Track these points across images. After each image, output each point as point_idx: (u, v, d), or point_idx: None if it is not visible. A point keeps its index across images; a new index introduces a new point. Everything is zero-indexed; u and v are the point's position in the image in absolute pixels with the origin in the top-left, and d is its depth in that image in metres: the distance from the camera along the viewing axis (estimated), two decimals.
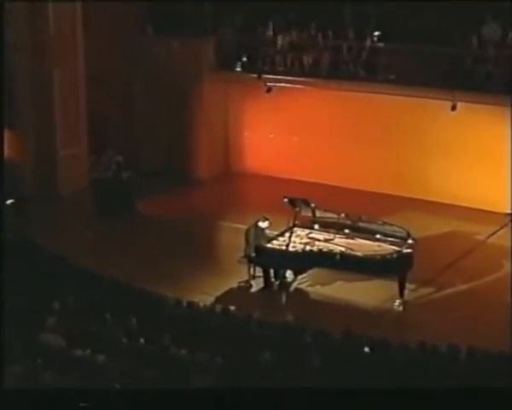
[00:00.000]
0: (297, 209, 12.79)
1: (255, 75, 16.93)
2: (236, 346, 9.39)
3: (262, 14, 17.42)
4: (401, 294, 12.25)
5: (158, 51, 17.77)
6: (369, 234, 12.72)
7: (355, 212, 13.13)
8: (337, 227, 12.95)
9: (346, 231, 12.87)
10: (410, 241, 12.40)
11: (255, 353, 9.00)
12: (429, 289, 12.75)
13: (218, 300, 12.22)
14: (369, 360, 9.24)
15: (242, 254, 12.95)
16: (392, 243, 12.50)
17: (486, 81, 15.00)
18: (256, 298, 12.72)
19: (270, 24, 17.31)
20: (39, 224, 14.80)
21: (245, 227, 13.14)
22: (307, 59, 16.94)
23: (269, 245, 12.79)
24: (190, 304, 10.61)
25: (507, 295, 11.98)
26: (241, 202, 17.05)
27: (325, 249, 12.54)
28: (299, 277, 13.02)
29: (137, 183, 16.21)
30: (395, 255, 12.20)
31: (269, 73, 16.96)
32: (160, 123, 18.12)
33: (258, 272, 12.98)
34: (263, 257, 12.73)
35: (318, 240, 12.85)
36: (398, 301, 12.25)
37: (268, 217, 12.90)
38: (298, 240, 12.84)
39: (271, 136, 18.27)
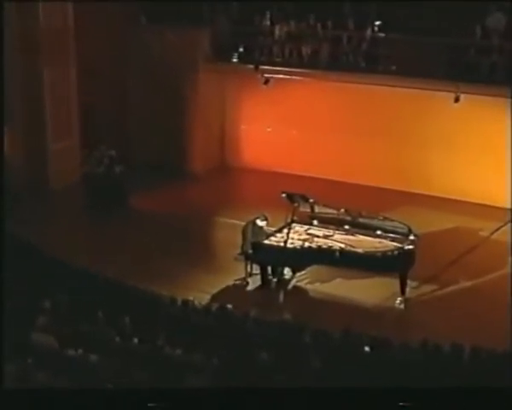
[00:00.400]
0: (295, 205, 12.78)
1: (252, 66, 16.91)
2: (233, 345, 9.39)
3: (259, 3, 17.40)
4: (402, 291, 12.26)
5: (151, 42, 17.74)
6: (369, 230, 12.72)
7: (355, 207, 13.13)
8: (336, 223, 12.95)
9: (346, 227, 12.87)
10: (411, 237, 12.41)
11: (252, 352, 8.99)
12: (432, 287, 12.76)
13: (213, 298, 12.22)
14: (369, 359, 9.25)
15: (239, 250, 12.94)
16: (393, 240, 12.50)
17: (491, 72, 15.00)
18: (253, 296, 12.72)
19: (268, 13, 17.29)
20: (29, 220, 14.77)
21: (241, 223, 13.14)
22: (306, 49, 16.93)
23: (266, 242, 12.79)
24: (185, 302, 10.61)
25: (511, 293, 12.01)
26: (238, 198, 17.06)
27: (324, 246, 12.53)
28: (298, 274, 13.01)
29: (130, 177, 16.20)
30: (396, 252, 12.20)
31: (266, 64, 16.94)
32: (154, 116, 18.10)
33: (256, 269, 12.98)
34: (260, 254, 12.73)
35: (317, 236, 12.86)
36: (399, 299, 12.27)
37: (266, 215, 12.90)
38: (296, 236, 12.84)
39: (269, 129, 18.28)
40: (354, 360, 9.23)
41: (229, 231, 14.19)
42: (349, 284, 12.74)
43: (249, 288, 12.89)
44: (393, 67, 15.93)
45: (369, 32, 16.37)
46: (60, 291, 10.47)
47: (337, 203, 13.09)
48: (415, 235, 12.44)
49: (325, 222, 13.05)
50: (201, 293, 12.28)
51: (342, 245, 12.49)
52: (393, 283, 12.31)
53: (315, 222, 13.12)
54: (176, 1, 17.12)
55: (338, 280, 12.86)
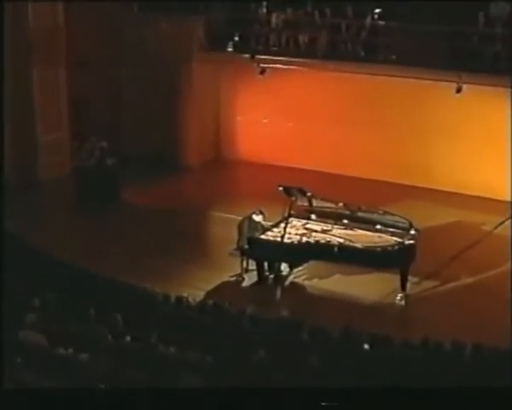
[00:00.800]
0: (293, 199, 12.76)
1: (248, 56, 16.88)
2: (229, 343, 9.38)
3: None
4: (403, 288, 12.27)
5: (144, 31, 17.68)
6: (369, 224, 12.72)
7: (354, 201, 13.13)
8: (335, 217, 12.94)
9: (345, 221, 12.87)
10: (412, 231, 12.41)
11: (248, 351, 8.99)
12: (433, 283, 12.77)
13: (208, 295, 12.22)
14: (369, 357, 9.25)
15: (234, 246, 12.94)
16: (393, 234, 12.50)
17: (494, 62, 14.99)
18: (249, 293, 12.72)
19: (264, 0, 17.24)
20: (18, 214, 14.72)
21: (237, 218, 13.14)
22: (303, 38, 16.90)
23: (263, 237, 12.78)
24: (179, 299, 10.60)
25: None
26: (233, 191, 17.04)
27: (322, 241, 12.53)
28: (295, 270, 13.03)
29: (123, 170, 16.17)
30: (397, 247, 12.21)
31: (263, 54, 16.91)
32: (147, 107, 18.06)
33: (252, 265, 12.98)
34: (256, 249, 12.72)
35: (315, 231, 12.85)
36: (399, 296, 12.28)
37: (263, 210, 12.89)
38: (293, 231, 12.84)
39: (265, 120, 18.26)
40: (353, 357, 9.24)
41: (224, 225, 14.18)
42: (348, 280, 12.74)
43: (245, 284, 12.89)
44: (393, 57, 15.91)
45: (368, 20, 16.35)
46: (49, 288, 10.45)
47: (336, 197, 13.09)
48: (415, 229, 12.45)
49: (323, 216, 13.04)
50: (196, 290, 12.28)
51: (341, 240, 12.49)
52: (394, 279, 12.32)
53: (313, 216, 13.11)
54: None
55: (337, 276, 12.87)
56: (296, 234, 12.77)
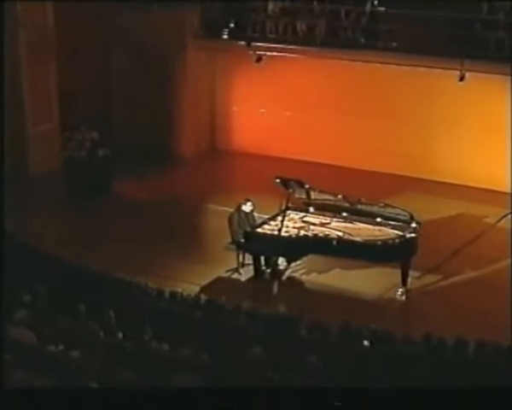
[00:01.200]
0: (290, 191, 12.76)
1: (244, 43, 16.83)
2: (224, 341, 9.38)
3: None
4: (404, 282, 12.27)
5: (136, 17, 17.63)
6: (369, 217, 12.72)
7: (354, 193, 13.13)
8: (334, 210, 12.94)
9: (344, 214, 12.87)
10: (413, 224, 12.41)
11: (244, 348, 8.98)
12: (435, 277, 12.78)
13: (203, 290, 12.20)
14: (368, 354, 9.25)
15: (230, 239, 12.91)
16: (394, 227, 12.50)
17: (498, 49, 14.96)
18: (245, 288, 12.72)
19: None
20: (6, 207, 14.68)
21: (232, 211, 13.11)
22: (301, 25, 16.87)
23: (259, 230, 12.77)
24: (173, 295, 10.59)
25: None
26: (229, 183, 17.03)
27: (321, 234, 12.52)
28: (293, 264, 13.02)
29: (114, 162, 16.14)
30: (397, 240, 12.21)
31: (259, 41, 16.88)
32: (139, 96, 18.02)
33: (248, 259, 12.96)
34: (253, 243, 12.71)
35: (313, 224, 12.85)
36: (400, 291, 12.28)
37: (250, 198, 12.87)
38: (291, 224, 12.83)
39: (262, 110, 18.24)
40: (353, 354, 9.24)
41: (219, 218, 14.14)
42: (347, 274, 12.75)
43: (241, 279, 12.87)
44: (394, 44, 15.91)
45: (368, 6, 16.32)
46: (39, 284, 10.43)
47: (334, 189, 13.08)
48: (417, 222, 12.44)
49: (322, 209, 13.04)
50: (190, 285, 12.28)
51: (340, 233, 12.48)
52: (394, 273, 12.32)
53: (311, 209, 13.11)
54: None
55: (335, 271, 12.87)
56: (294, 227, 12.77)
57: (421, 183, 16.18)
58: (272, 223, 12.87)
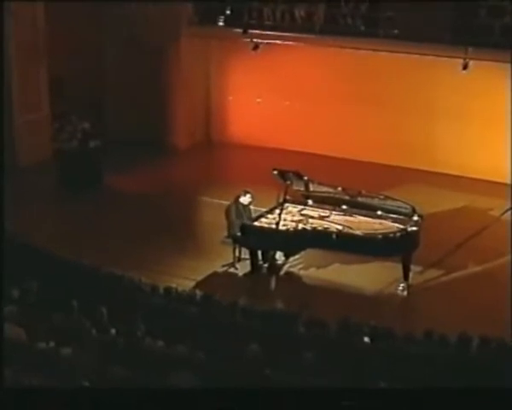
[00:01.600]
0: (288, 183, 12.76)
1: (240, 30, 16.81)
2: (220, 338, 9.38)
3: None
4: (405, 277, 12.29)
5: (128, 4, 17.58)
6: (369, 210, 12.73)
7: (353, 185, 13.14)
8: (333, 203, 12.95)
9: (344, 207, 12.88)
10: (415, 217, 12.42)
11: (241, 345, 8.99)
12: (437, 272, 12.80)
13: (199, 285, 12.21)
14: (368, 351, 9.26)
15: (226, 233, 12.92)
16: (395, 221, 12.52)
17: (502, 36, 14.95)
18: (242, 283, 12.73)
19: None
20: None
21: (229, 204, 13.10)
22: (299, 11, 16.84)
23: (256, 224, 12.78)
24: (168, 290, 10.59)
25: None
26: (225, 176, 17.04)
27: (320, 228, 12.53)
28: (291, 259, 13.04)
29: (106, 153, 16.13)
30: (399, 234, 12.22)
31: (256, 28, 16.86)
32: (132, 85, 17.99)
33: (245, 253, 12.97)
34: (250, 237, 12.71)
35: (312, 217, 12.86)
36: (401, 286, 12.30)
37: (249, 190, 12.87)
38: (289, 217, 12.84)
39: (259, 100, 18.23)
40: (352, 352, 9.25)
41: (215, 212, 14.15)
42: (347, 269, 12.76)
43: (238, 274, 12.88)
44: (395, 31, 15.88)
45: None
46: (28, 279, 10.43)
47: (334, 181, 13.09)
48: (418, 215, 12.46)
49: (321, 202, 13.05)
50: (185, 280, 12.30)
51: (339, 227, 12.49)
52: (395, 268, 12.34)
53: (309, 202, 13.12)
54: None
55: (335, 265, 12.89)
56: (292, 221, 12.78)
57: (424, 174, 16.19)
58: (270, 216, 12.88)
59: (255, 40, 16.72)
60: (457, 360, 9.04)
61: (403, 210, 12.61)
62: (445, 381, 8.39)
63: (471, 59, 14.88)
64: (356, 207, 12.83)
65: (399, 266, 12.29)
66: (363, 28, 16.33)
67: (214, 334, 9.53)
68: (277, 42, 16.88)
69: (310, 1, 16.81)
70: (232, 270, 12.94)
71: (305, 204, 13.12)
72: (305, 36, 16.68)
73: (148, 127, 17.85)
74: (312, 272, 12.89)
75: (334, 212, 12.89)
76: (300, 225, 12.65)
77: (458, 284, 12.54)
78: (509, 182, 15.27)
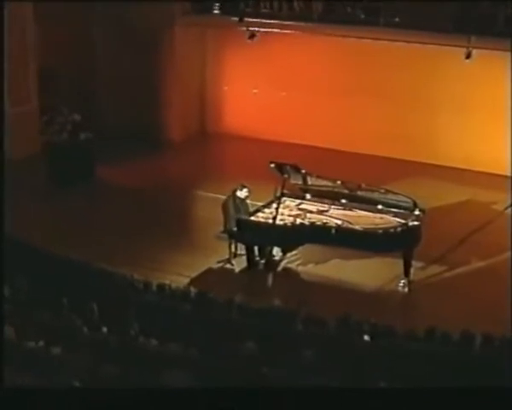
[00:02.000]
0: (285, 176, 12.77)
1: (236, 19, 16.79)
2: (215, 336, 9.40)
3: None
4: (406, 273, 12.31)
5: None
6: (369, 204, 12.74)
7: (353, 179, 13.14)
8: (332, 197, 12.96)
9: (343, 201, 12.88)
10: (416, 212, 12.43)
11: (237, 343, 9.00)
12: (439, 268, 12.82)
13: (193, 282, 12.22)
14: (369, 350, 9.28)
15: (222, 228, 12.92)
16: (396, 215, 12.53)
17: (506, 24, 14.95)
18: (238, 280, 12.74)
19: None
20: None
21: (224, 197, 13.11)
22: None
23: (253, 218, 12.78)
24: (161, 287, 10.60)
25: None
26: (220, 169, 17.05)
27: (318, 223, 12.54)
28: (289, 255, 13.05)
29: (98, 146, 16.11)
30: (400, 229, 12.23)
31: (252, 17, 16.83)
32: (124, 76, 17.98)
33: (241, 249, 12.97)
34: (246, 232, 12.72)
35: (310, 212, 12.87)
36: (402, 282, 12.32)
37: (246, 184, 12.88)
38: (287, 212, 12.85)
39: (255, 90, 18.22)
40: (352, 350, 9.27)
41: (210, 206, 14.17)
42: (346, 265, 12.78)
43: (234, 270, 12.89)
44: (396, 19, 15.87)
45: None
46: (17, 275, 10.42)
47: (333, 174, 13.09)
48: (420, 209, 12.47)
49: (319, 196, 13.05)
50: (179, 276, 12.30)
51: (339, 222, 12.50)
52: (396, 264, 12.36)
53: (308, 196, 13.13)
54: None
55: (334, 261, 12.90)
56: (289, 215, 12.78)
57: (425, 167, 16.20)
58: (266, 210, 12.88)
59: (251, 29, 16.70)
60: (460, 358, 9.06)
61: (404, 204, 12.61)
62: (448, 380, 8.41)
63: (474, 48, 14.88)
64: (355, 201, 12.83)
65: (400, 262, 12.30)
66: (363, 16, 16.32)
67: (209, 332, 9.54)
68: (274, 30, 16.87)
69: None
70: (228, 266, 12.95)
71: (303, 198, 13.12)
72: (303, 24, 16.67)
73: (141, 119, 17.84)
74: (311, 268, 12.90)
75: (333, 206, 12.89)
76: (298, 220, 12.65)
77: (461, 281, 12.56)
78: None
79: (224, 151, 18.28)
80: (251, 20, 16.78)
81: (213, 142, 18.46)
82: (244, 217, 12.76)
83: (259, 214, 12.87)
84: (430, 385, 8.15)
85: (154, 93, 18.03)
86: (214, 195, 14.41)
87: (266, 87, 18.04)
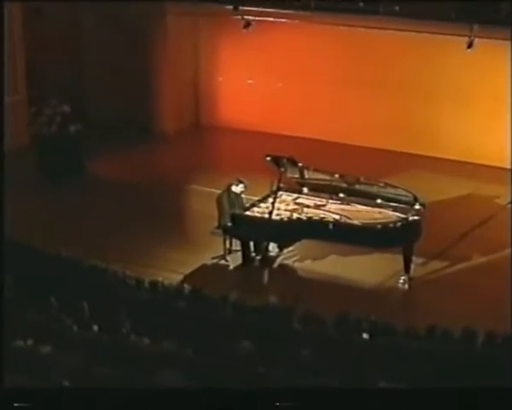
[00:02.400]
0: (282, 170, 12.76)
1: (230, 7, 16.76)
2: (209, 334, 9.40)
3: None
4: (406, 269, 12.33)
5: None
6: (368, 198, 12.75)
7: (351, 172, 13.14)
8: (330, 191, 12.96)
9: (341, 195, 12.89)
10: (417, 206, 12.45)
11: (232, 342, 9.01)
12: (440, 264, 12.84)
13: (187, 279, 12.22)
14: (368, 348, 9.29)
15: (216, 224, 12.92)
16: (395, 209, 12.53)
17: (510, 13, 14.95)
18: (233, 277, 12.75)
19: None
20: None
21: (219, 192, 13.12)
22: None
23: (248, 213, 12.78)
24: (154, 284, 10.59)
25: None
26: (215, 162, 17.05)
27: (316, 217, 12.55)
28: (285, 250, 13.05)
29: (88, 138, 16.09)
30: (399, 224, 12.25)
31: (247, 4, 16.80)
32: (116, 66, 17.94)
33: (236, 245, 12.98)
34: (241, 227, 12.72)
35: (307, 206, 12.88)
36: (402, 278, 12.34)
37: (242, 179, 12.89)
38: (283, 206, 12.85)
39: (250, 81, 18.20)
40: (351, 348, 9.28)
41: (204, 200, 14.17)
42: (344, 261, 12.79)
43: (228, 267, 12.89)
44: (396, 8, 15.85)
45: None
46: (5, 272, 10.40)
47: (330, 168, 13.09)
48: (421, 204, 12.48)
49: (317, 190, 13.06)
50: (172, 273, 12.31)
51: (336, 216, 12.52)
52: (396, 259, 12.37)
53: (305, 190, 13.13)
54: None
55: (332, 257, 12.92)
56: (286, 210, 12.79)
57: (426, 160, 16.21)
58: (262, 205, 12.89)
59: (246, 17, 16.67)
60: (461, 356, 9.08)
61: (404, 198, 12.62)
62: (449, 378, 8.43)
63: (476, 37, 14.87)
64: (354, 195, 12.84)
65: (400, 258, 12.32)
66: (361, 5, 16.29)
67: (203, 330, 9.55)
68: (270, 19, 16.84)
69: None
70: (222, 262, 12.96)
71: (300, 192, 13.13)
72: (299, 13, 16.64)
73: (133, 110, 17.82)
74: (308, 264, 12.91)
75: (330, 200, 12.90)
76: (295, 215, 12.66)
77: (462, 277, 12.58)
78: None
79: (219, 144, 18.28)
80: (246, 8, 16.74)
81: (207, 134, 18.46)
82: (239, 212, 12.76)
83: (255, 209, 12.88)
84: (431, 384, 8.17)
85: (146, 84, 18.02)
86: (208, 189, 14.42)
87: (262, 78, 18.02)
